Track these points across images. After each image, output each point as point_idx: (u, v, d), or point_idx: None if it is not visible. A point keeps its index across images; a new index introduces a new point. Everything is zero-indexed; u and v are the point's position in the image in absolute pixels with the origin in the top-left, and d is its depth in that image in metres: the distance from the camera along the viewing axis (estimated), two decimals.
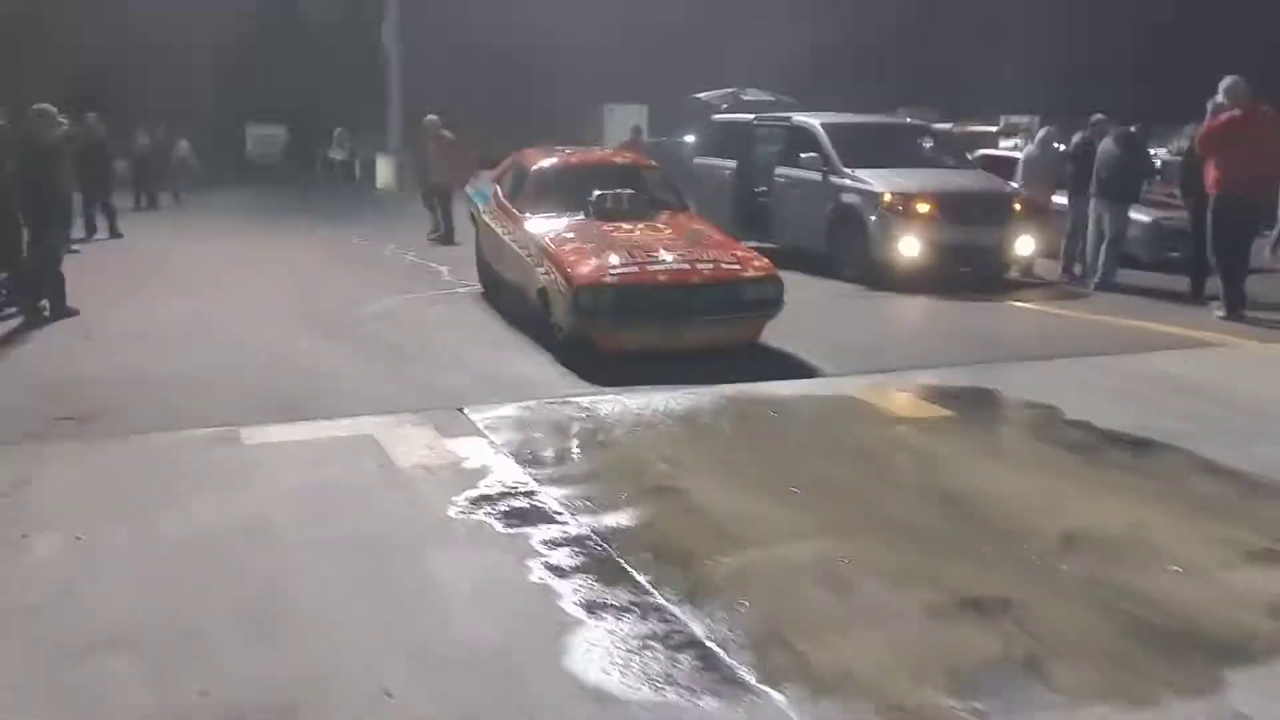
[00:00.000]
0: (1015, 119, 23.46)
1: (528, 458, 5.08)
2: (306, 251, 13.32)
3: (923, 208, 10.42)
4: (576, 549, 4.01)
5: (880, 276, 10.39)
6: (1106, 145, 10.67)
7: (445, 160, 14.16)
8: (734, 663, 3.18)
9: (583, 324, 6.80)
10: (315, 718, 2.88)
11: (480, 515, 4.34)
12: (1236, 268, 8.89)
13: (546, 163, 9.18)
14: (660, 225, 7.96)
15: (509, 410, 5.87)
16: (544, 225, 7.91)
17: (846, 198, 10.84)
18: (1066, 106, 11.88)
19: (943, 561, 3.92)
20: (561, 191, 8.54)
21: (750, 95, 14.70)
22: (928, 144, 12.45)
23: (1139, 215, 11.22)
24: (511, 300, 8.51)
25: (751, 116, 13.05)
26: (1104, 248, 10.63)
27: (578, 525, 4.24)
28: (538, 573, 3.80)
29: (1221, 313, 8.77)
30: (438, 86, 26.27)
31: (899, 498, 4.65)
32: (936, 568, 3.86)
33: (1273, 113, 8.80)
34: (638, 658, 3.20)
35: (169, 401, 6.07)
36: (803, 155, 11.38)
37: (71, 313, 8.52)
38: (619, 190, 8.29)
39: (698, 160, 13.51)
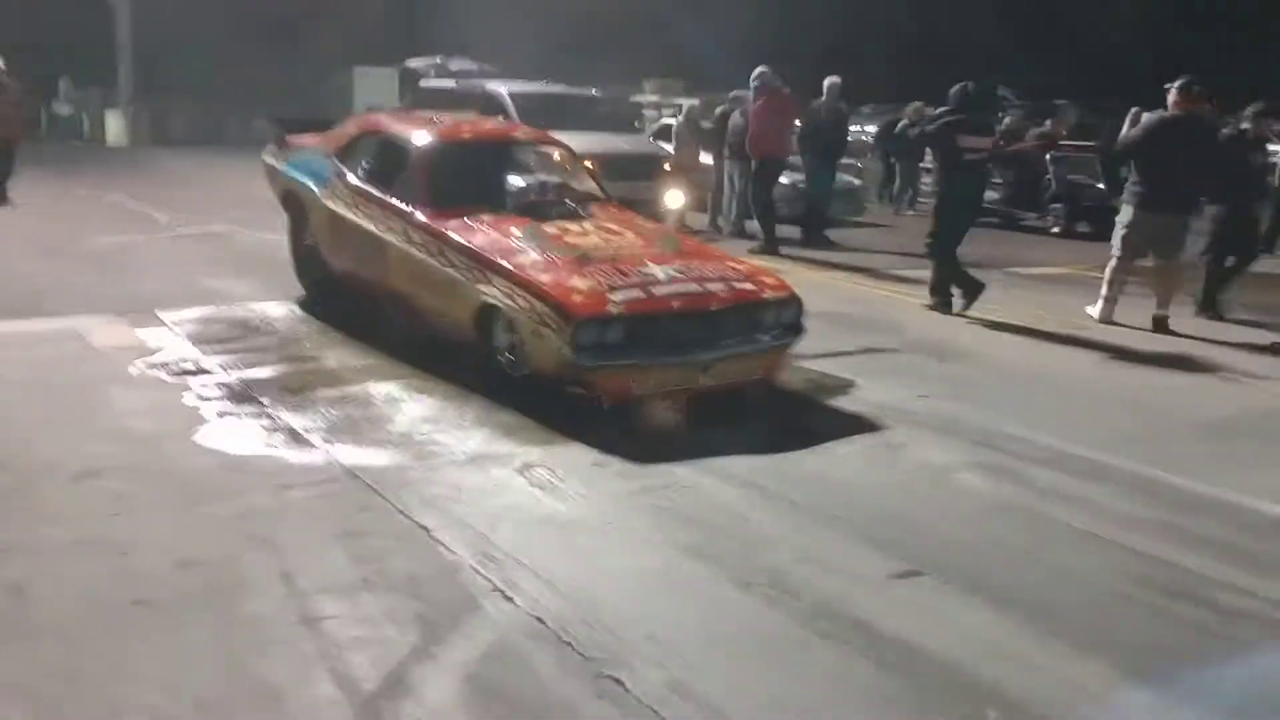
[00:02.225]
0: (739, 93, 26.07)
1: (202, 340, 6.71)
2: (30, 201, 13.96)
3: (585, 165, 12.48)
4: (223, 388, 5.74)
5: None
6: (736, 117, 13.15)
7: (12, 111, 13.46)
8: (311, 438, 5.02)
9: (581, 366, 5.31)
10: (23, 463, 4.52)
11: (155, 372, 5.99)
12: (770, 212, 12.01)
13: (430, 139, 7.02)
14: (612, 225, 6.53)
15: (195, 312, 7.43)
16: (466, 226, 6.23)
17: None
18: (807, 84, 14.22)
19: (483, 391, 5.88)
20: (460, 178, 6.78)
21: (456, 64, 16.41)
22: (601, 110, 14.61)
23: (780, 178, 13.75)
24: (397, 315, 6.81)
25: (454, 83, 14.80)
26: (734, 201, 13.13)
27: (228, 376, 5.96)
28: (190, 400, 5.52)
29: (756, 246, 11.70)
30: (174, 36, 26.10)
31: (470, 355, 6.51)
32: (472, 397, 5.82)
33: (790, 95, 12.12)
34: (247, 436, 5.01)
35: None
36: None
37: None
38: (546, 179, 7.01)
39: None
